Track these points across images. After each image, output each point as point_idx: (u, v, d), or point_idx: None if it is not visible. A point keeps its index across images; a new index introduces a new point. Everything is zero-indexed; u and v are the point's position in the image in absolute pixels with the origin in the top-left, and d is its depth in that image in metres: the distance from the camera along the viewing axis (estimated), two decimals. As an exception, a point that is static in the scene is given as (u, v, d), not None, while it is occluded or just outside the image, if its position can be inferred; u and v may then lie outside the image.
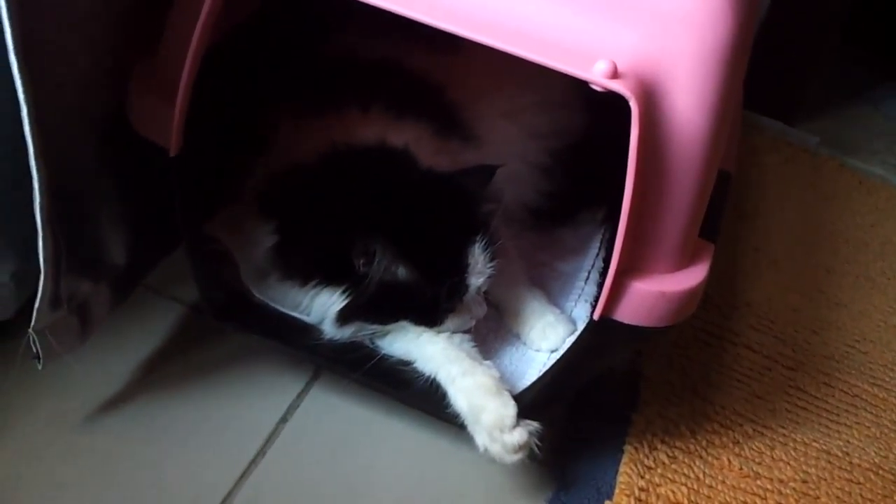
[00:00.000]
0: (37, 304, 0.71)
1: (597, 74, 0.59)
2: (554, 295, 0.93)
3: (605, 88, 0.60)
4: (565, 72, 0.61)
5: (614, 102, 0.63)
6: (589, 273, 0.97)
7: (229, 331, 0.91)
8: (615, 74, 0.59)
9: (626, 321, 0.69)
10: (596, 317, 0.69)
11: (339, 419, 0.88)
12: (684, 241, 0.69)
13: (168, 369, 0.88)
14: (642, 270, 0.68)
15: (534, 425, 0.74)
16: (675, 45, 0.63)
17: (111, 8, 0.72)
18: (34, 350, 0.74)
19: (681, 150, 0.65)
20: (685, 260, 0.70)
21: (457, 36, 0.63)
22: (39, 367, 0.74)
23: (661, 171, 0.65)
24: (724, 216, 0.80)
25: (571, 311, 0.92)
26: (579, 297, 0.94)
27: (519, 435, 0.73)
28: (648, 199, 0.65)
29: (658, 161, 0.64)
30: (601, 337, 0.72)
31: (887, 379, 1.06)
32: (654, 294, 0.68)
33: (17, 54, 0.60)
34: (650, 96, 0.62)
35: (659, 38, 0.63)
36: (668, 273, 0.69)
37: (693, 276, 0.70)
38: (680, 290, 0.68)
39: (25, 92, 0.61)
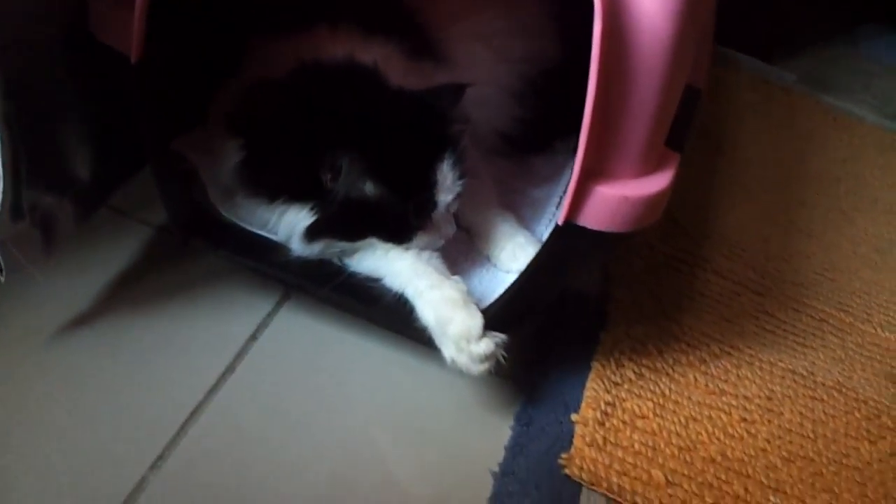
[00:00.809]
0: (-3, 214, 0.71)
1: (559, -32, 0.59)
2: (526, 220, 0.94)
3: (568, -18, 0.59)
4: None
5: (588, 27, 0.62)
6: (561, 198, 0.97)
7: (198, 249, 0.91)
8: (578, -31, 0.59)
9: (589, 226, 0.69)
10: (560, 221, 0.69)
11: (308, 338, 0.88)
12: (648, 147, 0.69)
13: (137, 289, 0.88)
14: (607, 175, 0.68)
15: (500, 336, 0.75)
16: (641, -57, 0.62)
17: None
18: (-3, 262, 0.73)
19: (645, 53, 0.64)
20: (650, 166, 0.70)
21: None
22: (1, 279, 0.74)
23: (625, 73, 0.64)
24: (692, 130, 0.80)
25: (542, 236, 0.92)
26: (550, 221, 0.94)
27: (485, 345, 0.74)
28: (612, 102, 0.65)
29: (622, 63, 0.64)
30: (565, 244, 0.72)
31: (854, 305, 1.08)
32: (617, 198, 0.68)
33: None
34: (614, -5, 0.62)
35: (624, -64, 0.62)
36: (632, 178, 0.69)
37: (657, 183, 0.70)
38: (643, 195, 0.68)
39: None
